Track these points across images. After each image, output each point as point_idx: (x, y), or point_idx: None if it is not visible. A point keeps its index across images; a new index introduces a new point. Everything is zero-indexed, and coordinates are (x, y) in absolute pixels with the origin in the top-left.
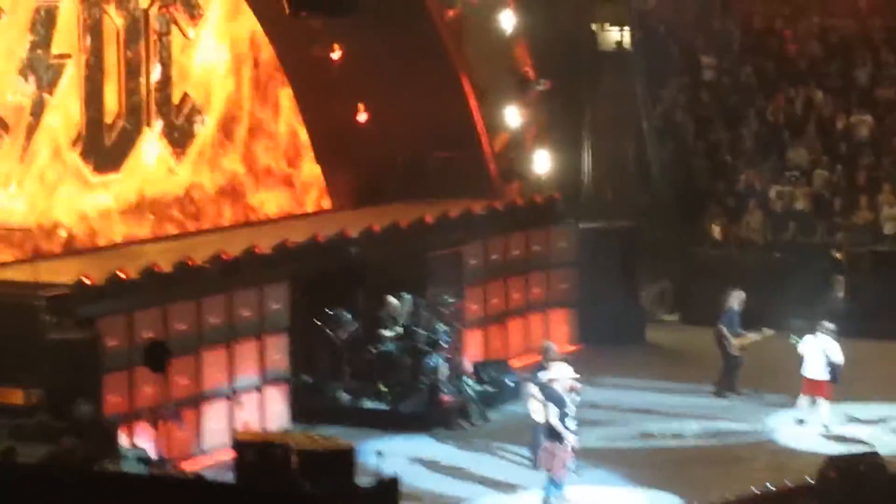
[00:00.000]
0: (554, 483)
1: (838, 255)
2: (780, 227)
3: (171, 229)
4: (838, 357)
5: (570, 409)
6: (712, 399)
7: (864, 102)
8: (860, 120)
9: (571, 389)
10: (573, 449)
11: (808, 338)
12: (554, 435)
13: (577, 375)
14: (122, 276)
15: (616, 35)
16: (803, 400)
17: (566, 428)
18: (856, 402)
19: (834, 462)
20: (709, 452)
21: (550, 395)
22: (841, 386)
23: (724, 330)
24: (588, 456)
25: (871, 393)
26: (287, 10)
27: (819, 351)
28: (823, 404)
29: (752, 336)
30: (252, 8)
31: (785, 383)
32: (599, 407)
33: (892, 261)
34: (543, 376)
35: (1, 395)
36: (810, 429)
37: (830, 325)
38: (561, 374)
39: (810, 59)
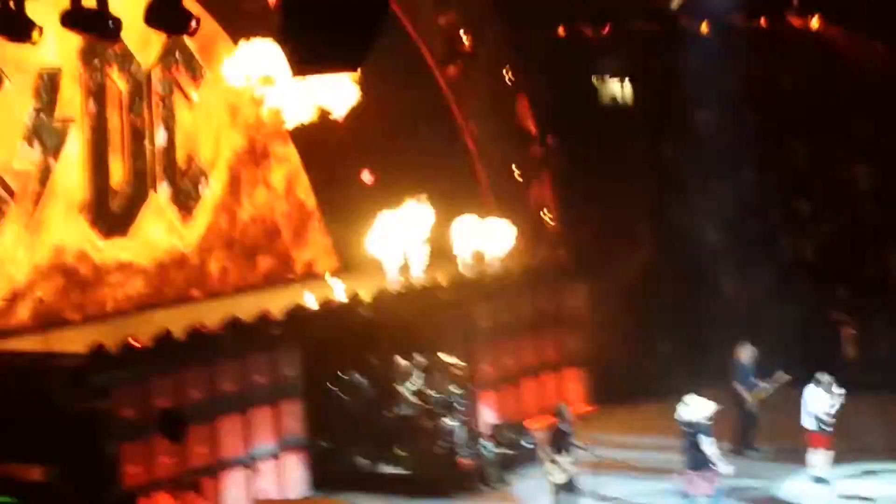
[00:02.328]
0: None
1: (838, 316)
2: (788, 280)
3: (180, 294)
4: (815, 407)
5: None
6: (731, 457)
7: (866, 153)
8: (863, 170)
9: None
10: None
11: (808, 388)
12: (706, 464)
13: (716, 407)
14: (136, 343)
15: (617, 89)
16: (819, 454)
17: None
18: (868, 457)
19: None
20: None
21: (702, 429)
22: (851, 440)
23: (738, 386)
24: None
25: (884, 448)
26: (291, 71)
27: (804, 402)
28: (812, 455)
29: (766, 387)
30: None
31: (803, 438)
32: (619, 466)
33: None
34: (684, 414)
35: (21, 472)
36: (827, 485)
37: (820, 377)
38: (703, 409)
39: (811, 111)
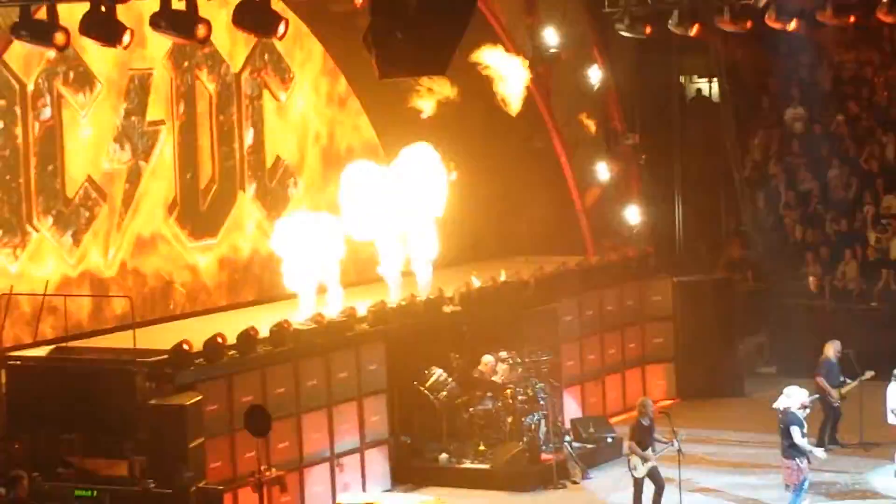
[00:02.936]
0: (797, 495)
1: None
2: (874, 277)
3: (269, 292)
4: (893, 402)
5: (806, 428)
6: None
7: None
8: None
9: (802, 406)
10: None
11: (890, 384)
12: (797, 453)
13: (812, 396)
14: (220, 340)
15: (704, 86)
16: None
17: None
18: None
19: None
20: None
21: (792, 419)
22: None
23: (824, 381)
24: None
25: None
26: (377, 73)
27: (886, 398)
28: None
29: (851, 384)
30: (341, 69)
31: (887, 433)
32: (701, 461)
33: None
34: (780, 404)
35: (106, 468)
36: None
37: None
38: (797, 398)
39: None
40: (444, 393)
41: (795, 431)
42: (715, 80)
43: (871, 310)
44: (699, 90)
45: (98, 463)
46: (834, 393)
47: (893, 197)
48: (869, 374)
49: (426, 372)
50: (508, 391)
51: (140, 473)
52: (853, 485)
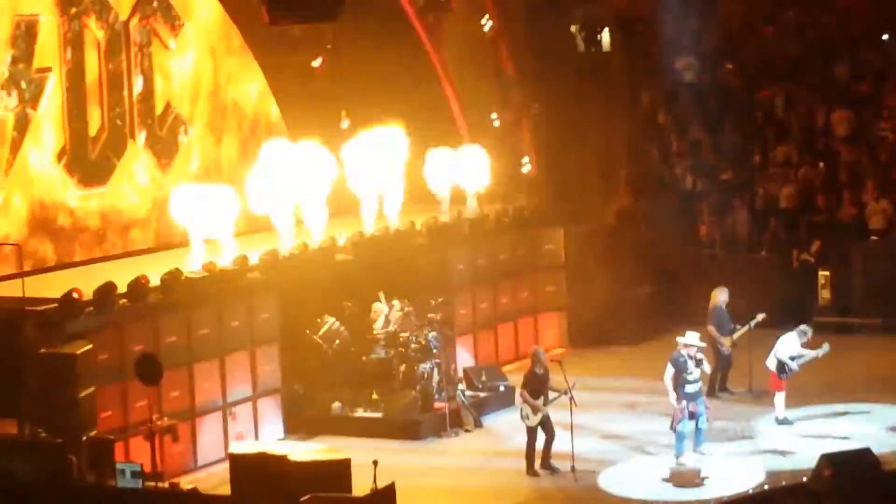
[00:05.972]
0: (677, 438)
1: (808, 257)
2: (764, 226)
3: (160, 241)
4: (780, 351)
5: (693, 374)
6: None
7: (844, 98)
8: (841, 116)
9: (695, 357)
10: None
11: (787, 334)
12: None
13: (703, 345)
14: (111, 289)
15: (596, 36)
16: (778, 397)
17: (682, 389)
18: (839, 398)
19: (828, 460)
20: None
21: (674, 359)
22: (823, 382)
23: (714, 330)
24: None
25: (854, 389)
26: (266, 19)
27: (776, 344)
28: (776, 396)
29: (741, 329)
30: (232, 17)
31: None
32: (591, 409)
33: (877, 255)
34: (680, 340)
35: None
36: (798, 426)
37: (804, 328)
38: (691, 341)
39: (789, 57)
40: (337, 342)
41: (667, 369)
42: (606, 30)
43: (761, 258)
44: (592, 44)
45: None
46: (725, 341)
47: (780, 147)
48: (760, 315)
49: (319, 321)
50: (401, 339)
51: (31, 426)
52: (742, 431)
